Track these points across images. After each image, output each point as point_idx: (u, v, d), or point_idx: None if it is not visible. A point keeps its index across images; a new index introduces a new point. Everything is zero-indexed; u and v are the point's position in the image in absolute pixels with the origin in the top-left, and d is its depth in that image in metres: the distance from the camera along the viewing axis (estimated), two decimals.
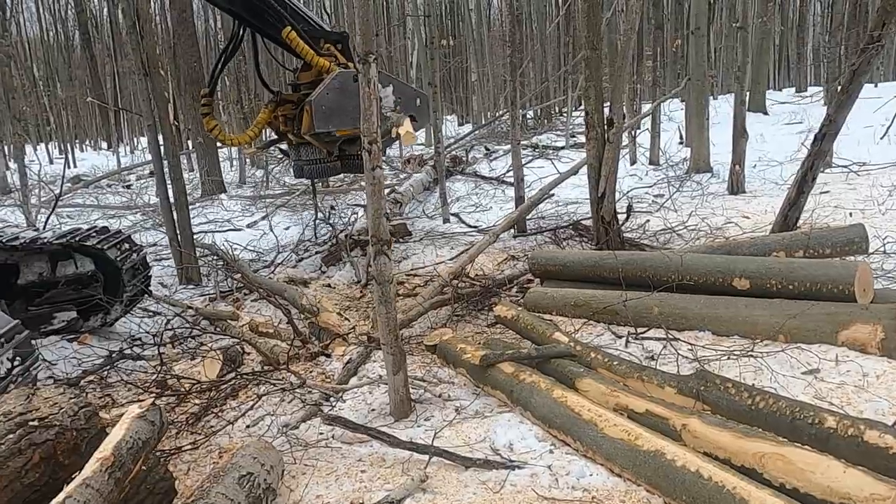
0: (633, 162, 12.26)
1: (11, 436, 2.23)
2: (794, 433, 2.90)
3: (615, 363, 3.87)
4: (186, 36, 13.45)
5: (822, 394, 3.39)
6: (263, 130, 7.28)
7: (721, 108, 15.65)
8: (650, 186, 9.98)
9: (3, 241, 5.46)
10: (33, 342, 4.42)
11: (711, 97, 18.46)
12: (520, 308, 5.06)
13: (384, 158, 17.25)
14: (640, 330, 4.53)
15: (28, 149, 25.82)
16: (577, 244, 7.31)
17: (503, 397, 3.82)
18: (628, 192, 9.12)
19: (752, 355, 3.88)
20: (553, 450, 3.28)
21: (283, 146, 7.69)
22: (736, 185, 9.15)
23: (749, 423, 3.04)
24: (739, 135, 9.07)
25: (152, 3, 21.65)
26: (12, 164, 14.79)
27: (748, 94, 16.68)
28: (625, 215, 6.56)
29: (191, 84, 13.19)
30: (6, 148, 17.07)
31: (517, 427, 3.52)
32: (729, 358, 3.94)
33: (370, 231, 3.64)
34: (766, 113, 16.67)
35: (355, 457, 3.40)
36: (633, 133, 12.38)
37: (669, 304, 4.58)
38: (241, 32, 6.80)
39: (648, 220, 7.81)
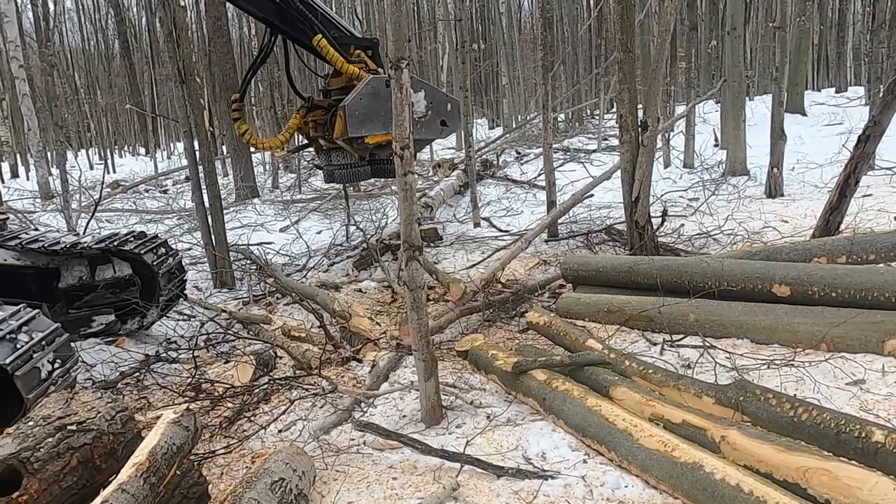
0: (666, 165, 12.07)
1: (50, 440, 2.27)
2: (840, 447, 2.80)
3: (650, 371, 3.80)
4: (222, 43, 13.67)
5: (868, 406, 3.28)
6: (294, 135, 7.34)
7: (758, 110, 15.33)
8: (685, 190, 9.81)
9: (45, 245, 5.59)
10: (73, 345, 4.52)
11: (748, 98, 18.12)
12: (552, 314, 5.00)
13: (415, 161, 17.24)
14: (675, 337, 4.44)
15: (69, 155, 26.56)
16: (610, 249, 7.22)
17: (535, 405, 3.77)
18: (662, 195, 8.98)
19: (793, 365, 3.77)
20: (587, 459, 3.22)
21: (313, 152, 7.75)
22: (774, 189, 8.94)
23: (791, 435, 2.95)
24: (777, 136, 8.86)
25: (189, 11, 22.09)
26: (54, 170, 15.20)
27: (786, 94, 16.33)
28: (659, 220, 6.44)
29: (226, 90, 13.39)
30: (49, 154, 17.54)
31: (550, 435, 3.47)
32: (769, 367, 3.83)
33: (402, 236, 3.62)
34: (804, 114, 16.26)
35: (387, 463, 3.39)
36: (666, 136, 12.19)
37: (706, 311, 4.48)
38: (272, 39, 6.88)
39: (683, 225, 7.67)
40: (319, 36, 6.33)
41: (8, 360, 3.76)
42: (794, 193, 9.03)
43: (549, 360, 3.95)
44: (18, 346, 3.90)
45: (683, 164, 11.95)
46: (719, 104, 13.98)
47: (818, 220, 5.88)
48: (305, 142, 7.56)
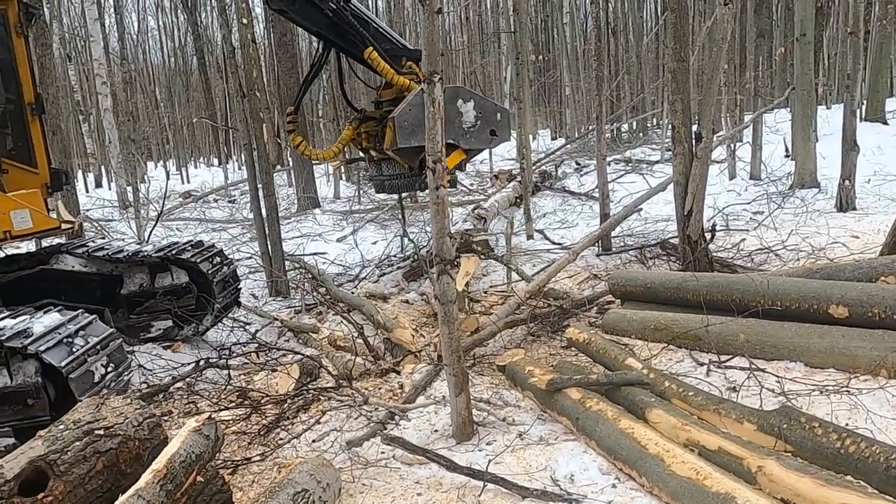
0: (731, 177, 11.63)
1: (78, 443, 2.37)
2: (889, 484, 2.60)
3: (690, 394, 3.64)
4: (287, 58, 14.10)
5: None
6: (346, 147, 7.46)
7: (833, 119, 14.57)
8: (749, 203, 9.42)
9: (109, 253, 5.89)
10: (126, 349, 4.73)
11: (823, 107, 17.29)
12: (593, 331, 4.88)
13: (469, 171, 17.12)
14: (723, 358, 4.25)
15: (150, 165, 27.96)
16: (664, 264, 7.00)
17: (569, 424, 3.69)
18: (724, 208, 8.67)
19: (847, 392, 3.54)
20: (616, 484, 3.12)
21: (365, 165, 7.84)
22: (845, 202, 8.46)
23: (836, 468, 2.77)
24: (849, 147, 8.39)
25: (257, 26, 22.95)
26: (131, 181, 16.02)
27: (865, 103, 15.48)
28: (710, 235, 6.20)
29: (291, 103, 13.79)
30: (127, 166, 18.50)
31: (580, 457, 3.38)
32: (821, 393, 3.61)
33: (434, 250, 3.62)
34: (885, 123, 15.34)
35: (413, 478, 3.38)
36: (732, 146, 11.76)
37: (757, 331, 4.27)
38: (325, 53, 7.00)
39: (744, 239, 7.37)
40: (370, 48, 6.40)
41: (63, 363, 3.97)
42: (868, 207, 8.52)
43: (584, 378, 3.85)
44: (74, 349, 4.12)
45: (749, 175, 11.48)
46: (791, 113, 13.38)
47: (888, 236, 5.51)
48: (359, 154, 7.68)
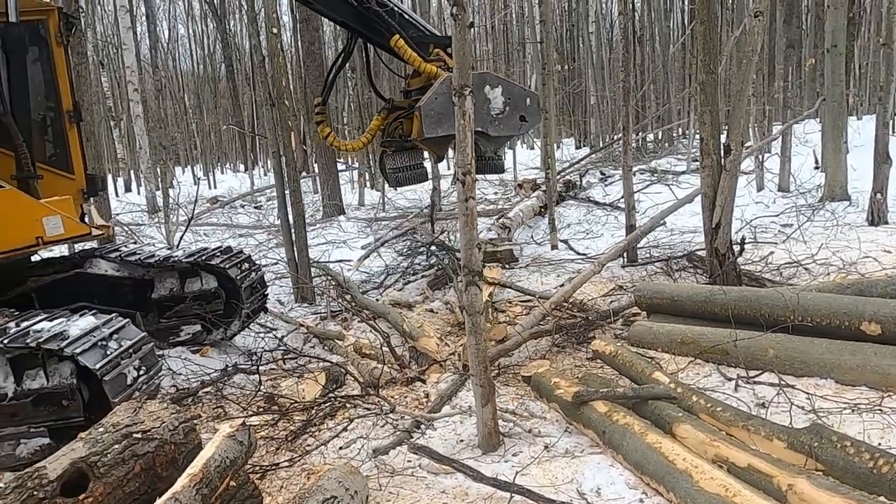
0: (759, 188, 11.50)
1: (117, 446, 2.43)
2: None
3: (719, 409, 3.62)
4: (314, 66, 14.28)
5: None
6: (375, 137, 7.41)
7: (864, 130, 14.35)
8: (777, 215, 9.31)
9: (141, 258, 6.01)
10: (157, 353, 4.82)
11: (854, 117, 17.03)
12: (619, 344, 4.87)
13: (493, 180, 17.04)
14: (751, 373, 4.21)
15: (178, 170, 28.42)
16: (690, 276, 6.95)
17: (595, 437, 3.68)
18: (752, 220, 8.57)
19: (879, 410, 3.49)
20: (643, 499, 3.11)
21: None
22: (877, 216, 8.33)
23: (868, 489, 2.74)
24: (882, 160, 8.27)
25: (284, 34, 23.25)
26: (160, 187, 16.32)
27: None
28: (738, 248, 6.15)
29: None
30: (156, 171, 18.87)
31: (607, 470, 3.37)
32: (852, 411, 3.56)
33: (462, 261, 3.65)
34: None
35: (439, 488, 3.40)
36: (760, 158, 11.63)
37: (787, 347, 4.23)
38: (352, 43, 6.97)
39: (772, 252, 7.29)
40: (397, 36, 6.33)
41: (98, 366, 4.06)
42: None
43: (611, 391, 3.84)
44: (108, 352, 4.21)
45: (778, 187, 11.35)
46: (821, 124, 13.21)
47: None
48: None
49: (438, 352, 5.37)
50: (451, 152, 7.45)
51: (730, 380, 4.26)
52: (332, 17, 6.81)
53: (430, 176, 7.19)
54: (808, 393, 3.84)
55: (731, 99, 6.08)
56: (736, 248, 5.95)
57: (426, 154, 7.23)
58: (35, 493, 2.16)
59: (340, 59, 7.31)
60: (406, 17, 6.70)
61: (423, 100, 6.17)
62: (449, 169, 15.91)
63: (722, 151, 5.81)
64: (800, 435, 3.16)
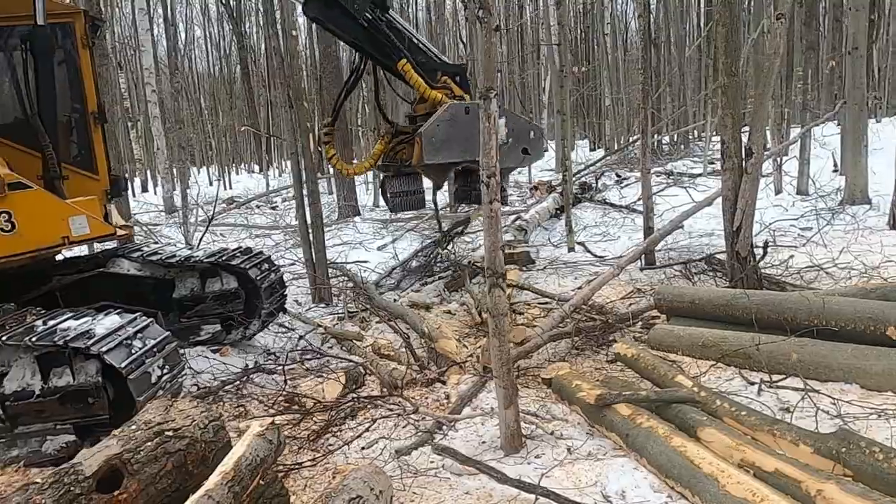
0: (777, 191, 11.42)
1: (149, 443, 2.46)
2: None
3: (743, 413, 3.60)
4: (331, 69, 14.34)
5: None
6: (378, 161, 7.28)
7: (884, 132, 14.25)
8: (796, 219, 9.24)
9: (163, 258, 6.06)
10: (181, 352, 4.87)
11: (873, 120, 16.86)
12: (641, 346, 4.86)
13: (511, 183, 17.03)
14: (774, 377, 4.19)
15: (192, 171, 28.63)
16: (710, 280, 6.91)
17: (618, 440, 3.67)
18: (770, 224, 8.51)
19: None
20: (669, 503, 3.10)
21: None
22: None
23: None
24: None
25: (302, 36, 23.36)
26: (178, 187, 16.46)
27: None
28: (762, 251, 6.12)
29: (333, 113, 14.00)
30: (173, 172, 19.03)
31: (631, 473, 3.37)
32: (879, 417, 3.54)
33: (486, 263, 3.66)
34: None
35: (463, 489, 3.40)
36: (778, 160, 11.55)
37: (811, 351, 4.20)
38: (362, 64, 7.00)
39: (793, 256, 7.23)
40: (404, 60, 6.38)
41: (123, 364, 4.11)
42: None
43: (634, 394, 3.83)
44: (133, 351, 4.26)
45: (797, 190, 11.27)
46: (840, 127, 13.09)
47: None
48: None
49: (458, 353, 5.37)
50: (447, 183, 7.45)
51: (752, 384, 4.23)
52: (343, 37, 6.81)
53: (427, 203, 7.20)
54: (833, 398, 3.81)
55: (753, 101, 6.04)
56: (758, 251, 5.92)
57: (426, 180, 7.18)
58: (72, 488, 2.20)
59: (351, 81, 7.31)
60: (416, 42, 6.72)
61: (425, 126, 6.20)
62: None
63: (743, 154, 5.79)
64: (827, 440, 3.14)
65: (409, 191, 7.02)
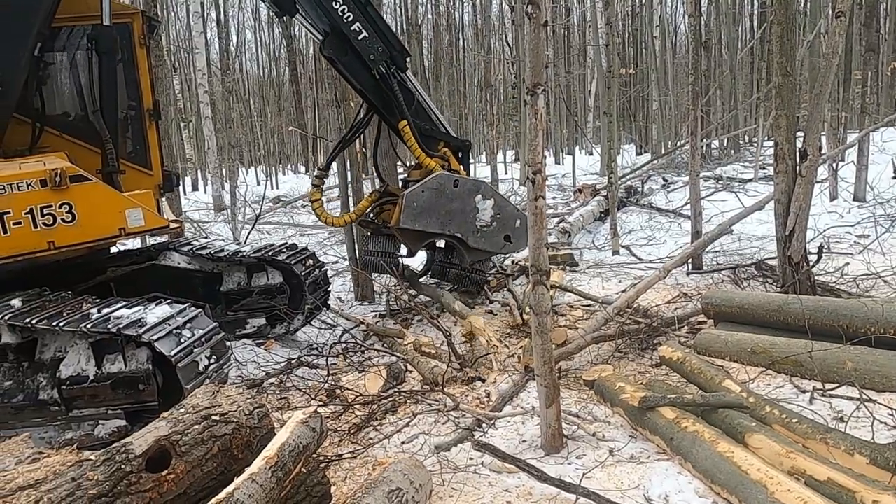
0: (833, 197, 11.03)
1: (197, 427, 2.52)
2: None
3: (794, 421, 3.49)
4: None
5: None
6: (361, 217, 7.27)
7: None
8: (853, 225, 8.92)
9: (212, 252, 6.22)
10: (228, 343, 4.98)
11: None
12: (687, 350, 4.75)
13: (551, 185, 16.78)
14: (828, 386, 4.04)
15: (241, 170, 29.28)
16: (759, 285, 6.73)
17: (662, 444, 3.60)
18: (825, 230, 8.24)
19: None
20: None
21: None
22: None
23: None
24: None
25: None
26: (226, 185, 16.86)
27: None
28: (816, 256, 5.92)
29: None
30: (223, 171, 19.50)
31: (675, 478, 3.30)
32: None
33: (530, 261, 3.64)
34: None
35: (502, 486, 3.38)
36: (834, 166, 11.16)
37: (867, 360, 4.04)
38: (367, 117, 7.00)
39: (848, 263, 6.98)
40: (405, 122, 6.39)
41: (173, 352, 4.23)
42: None
43: (679, 398, 3.75)
44: (182, 340, 4.38)
45: (853, 196, 10.86)
46: None
47: None
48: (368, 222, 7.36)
49: (485, 330, 5.37)
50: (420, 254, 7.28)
51: (804, 392, 4.10)
52: (353, 83, 6.78)
53: (399, 270, 7.12)
54: (890, 408, 3.66)
55: (809, 103, 5.86)
56: (812, 256, 5.73)
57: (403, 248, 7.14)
58: (123, 466, 2.26)
59: (350, 135, 7.28)
60: (424, 107, 6.70)
61: (409, 190, 6.23)
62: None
63: (797, 157, 5.61)
64: (884, 451, 3.02)
65: (382, 251, 7.04)
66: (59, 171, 4.65)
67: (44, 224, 4.70)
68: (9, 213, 4.61)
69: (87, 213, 4.81)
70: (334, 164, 7.60)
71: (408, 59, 6.76)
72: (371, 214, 7.18)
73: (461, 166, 6.82)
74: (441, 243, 7.16)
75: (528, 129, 3.53)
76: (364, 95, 6.78)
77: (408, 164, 7.63)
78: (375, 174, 7.90)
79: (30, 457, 3.08)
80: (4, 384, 4.42)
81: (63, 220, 4.75)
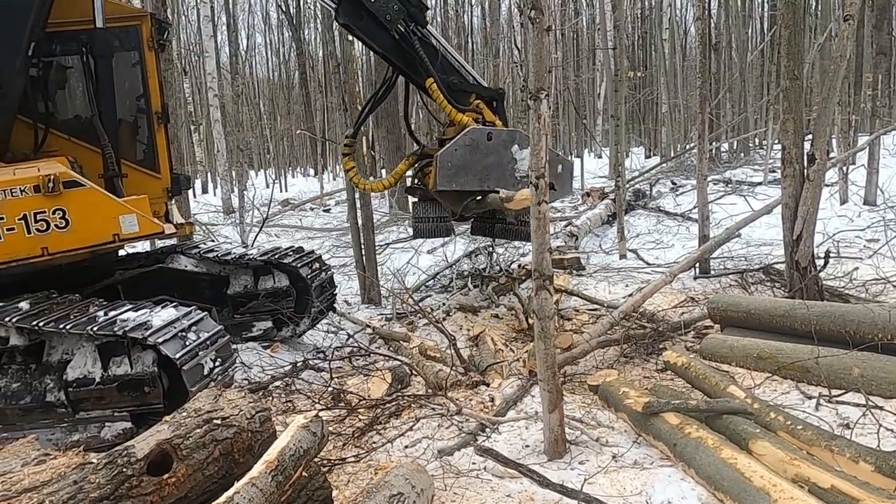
0: (843, 201, 10.95)
1: (199, 430, 2.53)
2: None
3: (799, 427, 3.46)
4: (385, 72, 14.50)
5: None
6: (400, 180, 7.08)
7: None
8: (862, 229, 8.85)
9: (219, 255, 6.25)
10: (233, 346, 5.00)
11: None
12: (692, 355, 4.73)
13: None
14: (834, 392, 4.01)
15: (250, 173, 29.42)
16: (767, 290, 6.68)
17: (665, 450, 3.58)
18: (834, 234, 8.19)
19: None
20: None
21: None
22: None
23: None
24: None
25: (356, 42, 23.72)
26: (236, 188, 16.95)
27: None
28: (823, 261, 5.88)
29: (385, 117, 14.17)
30: (233, 174, 19.60)
31: (678, 484, 3.28)
32: None
33: (533, 265, 3.63)
34: None
35: (504, 491, 3.38)
36: (844, 169, 11.08)
37: (874, 366, 4.01)
38: (393, 77, 6.74)
39: (857, 268, 6.93)
40: (431, 79, 6.14)
41: (178, 355, 4.26)
42: None
43: (683, 403, 3.74)
44: (187, 343, 4.40)
45: (864, 200, 10.77)
46: None
47: None
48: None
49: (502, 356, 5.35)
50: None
51: (810, 398, 4.06)
52: (373, 47, 6.55)
53: (453, 232, 6.77)
54: None
55: (817, 106, 5.83)
56: (819, 261, 5.69)
57: None
58: (124, 469, 2.28)
59: (381, 93, 6.99)
60: (450, 61, 6.45)
61: (442, 150, 5.97)
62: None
63: (805, 160, 5.58)
64: (890, 458, 2.99)
65: (433, 217, 6.70)
66: (52, 177, 4.62)
67: (37, 230, 4.68)
68: (2, 218, 4.60)
69: (81, 218, 4.78)
70: (339, 168, 7.58)
71: (427, 13, 6.43)
72: (416, 181, 6.92)
73: (496, 117, 6.46)
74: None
75: (532, 133, 3.53)
76: (387, 58, 6.54)
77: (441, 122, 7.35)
78: (410, 137, 7.61)
79: (36, 458, 3.11)
80: (12, 386, 4.46)
81: (56, 225, 4.73)
